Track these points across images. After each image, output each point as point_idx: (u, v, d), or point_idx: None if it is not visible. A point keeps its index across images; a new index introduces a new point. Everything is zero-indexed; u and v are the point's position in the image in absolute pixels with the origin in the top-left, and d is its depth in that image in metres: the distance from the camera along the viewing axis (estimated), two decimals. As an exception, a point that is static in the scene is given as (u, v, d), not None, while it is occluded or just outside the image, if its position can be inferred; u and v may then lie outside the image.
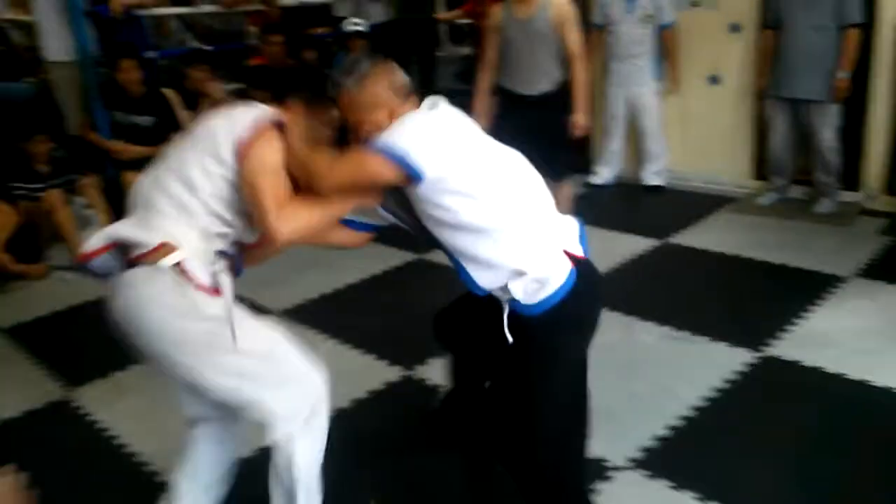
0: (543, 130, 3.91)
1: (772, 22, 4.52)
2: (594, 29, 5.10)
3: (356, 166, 1.89)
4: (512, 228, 1.87)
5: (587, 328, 1.98)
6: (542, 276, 1.84)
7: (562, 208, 4.22)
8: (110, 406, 2.95)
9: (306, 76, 2.92)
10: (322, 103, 2.05)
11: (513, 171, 1.97)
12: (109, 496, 2.48)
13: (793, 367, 2.97)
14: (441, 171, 1.81)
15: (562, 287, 1.85)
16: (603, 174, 5.47)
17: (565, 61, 3.91)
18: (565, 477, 1.97)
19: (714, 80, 5.10)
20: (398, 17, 6.41)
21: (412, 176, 1.80)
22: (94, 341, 3.45)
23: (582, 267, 1.91)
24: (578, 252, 1.94)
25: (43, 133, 4.42)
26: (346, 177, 1.90)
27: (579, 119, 3.92)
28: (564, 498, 1.99)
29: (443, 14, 6.88)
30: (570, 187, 4.20)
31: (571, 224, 2.02)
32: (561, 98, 3.96)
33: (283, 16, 5.91)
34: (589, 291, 1.92)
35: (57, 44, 4.62)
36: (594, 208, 5.00)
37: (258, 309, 3.67)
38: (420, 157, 1.79)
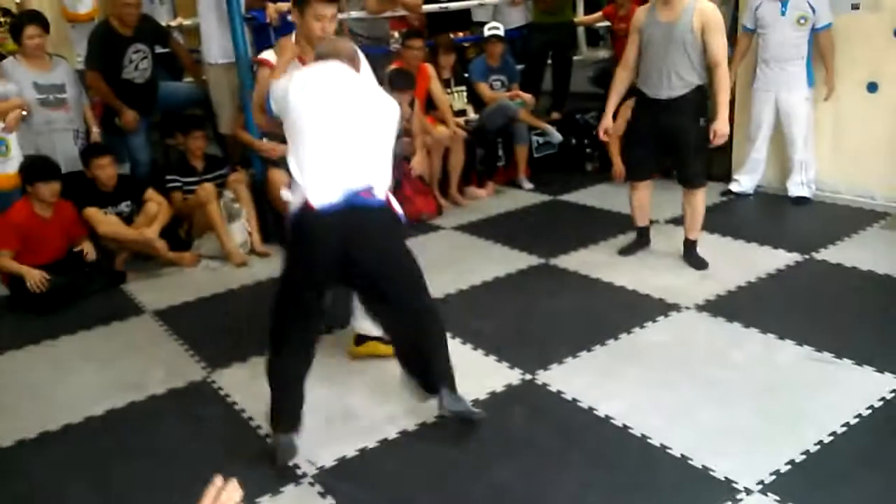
0: (674, 136, 3.90)
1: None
2: (746, 31, 4.89)
3: None
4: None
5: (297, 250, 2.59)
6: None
7: (692, 215, 4.14)
8: (246, 388, 3.14)
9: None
10: None
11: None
12: (241, 470, 2.63)
13: (947, 399, 2.74)
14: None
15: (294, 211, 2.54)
16: (744, 182, 5.22)
17: (705, 66, 3.83)
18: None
19: (873, 87, 4.76)
20: (536, 21, 6.42)
21: None
22: (235, 327, 3.73)
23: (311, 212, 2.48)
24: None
25: (200, 130, 4.78)
26: None
27: (720, 127, 3.81)
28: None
29: (581, 17, 6.82)
30: (702, 195, 4.06)
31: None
32: (694, 104, 3.86)
33: (424, 21, 6.06)
34: (302, 229, 2.54)
35: (216, 47, 4.96)
36: (733, 218, 4.83)
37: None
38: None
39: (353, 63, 2.76)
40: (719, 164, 5.25)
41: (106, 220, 4.40)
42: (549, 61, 6.55)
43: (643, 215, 4.31)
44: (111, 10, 4.83)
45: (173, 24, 6.08)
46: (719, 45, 3.77)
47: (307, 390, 2.68)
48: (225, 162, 4.91)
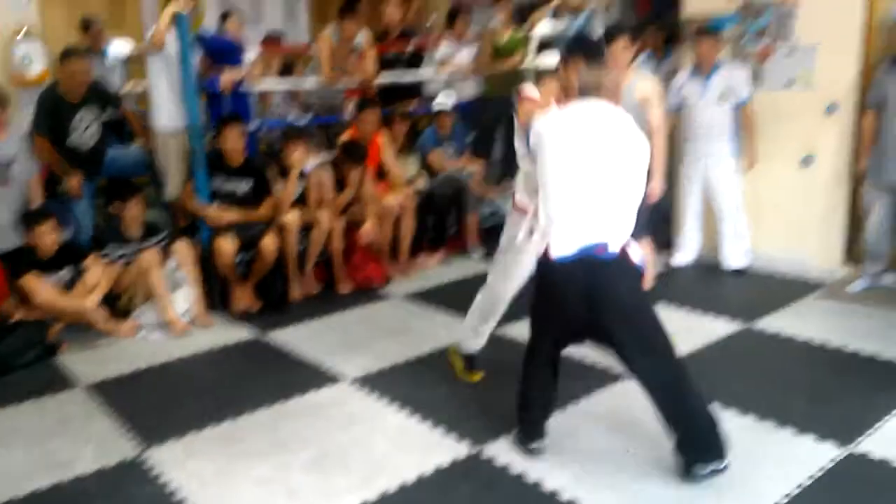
0: None
1: (874, 104, 4.41)
2: (670, 111, 5.10)
3: None
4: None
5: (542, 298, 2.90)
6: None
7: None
8: (182, 466, 3.03)
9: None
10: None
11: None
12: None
13: (883, 467, 2.78)
14: None
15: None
16: (683, 254, 5.37)
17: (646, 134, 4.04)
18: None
19: (807, 161, 4.97)
20: (487, 95, 6.58)
21: None
22: (172, 401, 3.62)
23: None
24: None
25: (139, 197, 4.70)
26: None
27: (655, 187, 4.12)
28: None
29: (531, 91, 7.00)
30: (647, 247, 4.20)
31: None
32: None
33: (378, 92, 6.16)
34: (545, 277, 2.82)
35: (165, 113, 4.95)
36: (675, 288, 4.91)
37: (330, 376, 3.79)
38: None
39: (614, 96, 2.88)
40: (662, 232, 5.39)
41: (43, 290, 4.27)
42: (500, 132, 6.69)
43: None
44: (60, 75, 4.79)
45: (125, 90, 6.08)
46: (657, 115, 4.13)
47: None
48: (161, 229, 4.85)
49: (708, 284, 5.07)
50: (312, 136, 5.90)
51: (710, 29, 5.00)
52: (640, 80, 4.18)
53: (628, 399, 3.41)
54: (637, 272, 2.77)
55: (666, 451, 2.93)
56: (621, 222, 2.72)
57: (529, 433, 3.01)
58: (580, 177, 2.70)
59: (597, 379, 3.62)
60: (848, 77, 4.72)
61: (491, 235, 6.09)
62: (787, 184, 5.06)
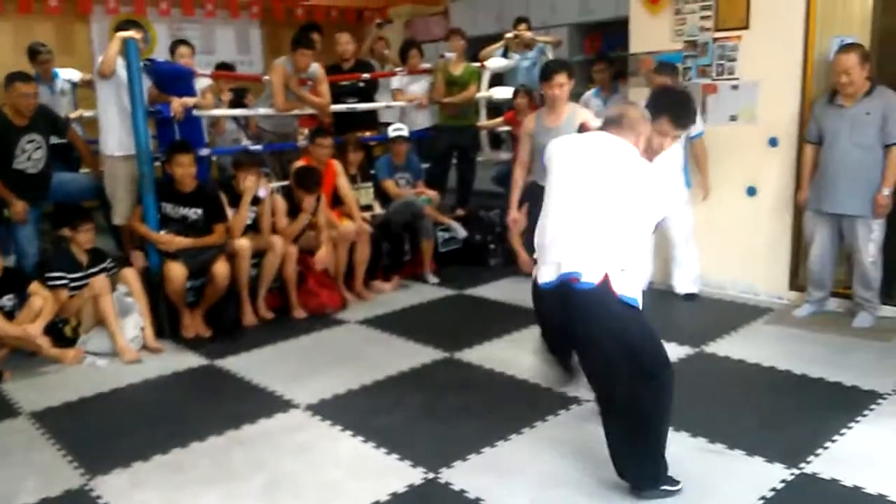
0: None
1: (813, 137, 4.57)
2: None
3: None
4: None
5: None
6: None
7: None
8: (128, 496, 2.93)
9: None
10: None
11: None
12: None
13: (831, 487, 2.84)
14: None
15: None
16: (637, 280, 5.46)
17: None
18: None
19: (752, 191, 5.13)
20: (441, 123, 6.66)
21: None
22: (118, 429, 3.52)
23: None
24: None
25: (89, 223, 4.60)
26: None
27: None
28: None
29: (484, 122, 7.12)
30: None
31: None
32: None
33: (333, 119, 6.18)
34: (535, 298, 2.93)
35: (114, 138, 4.87)
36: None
37: (283, 402, 3.73)
38: None
39: (629, 131, 2.81)
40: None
41: (-16, 316, 4.13)
42: (454, 161, 6.77)
43: None
44: (6, 99, 4.70)
45: (73, 115, 5.98)
46: None
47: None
48: (108, 255, 4.75)
49: (660, 310, 5.14)
50: (265, 164, 5.88)
51: (666, 64, 5.15)
52: (579, 112, 4.37)
53: (587, 422, 3.43)
54: (618, 304, 2.64)
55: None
56: (604, 252, 2.64)
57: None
58: (565, 201, 2.73)
59: (554, 403, 3.63)
60: (789, 112, 4.90)
61: (447, 261, 6.15)
62: (735, 213, 5.20)
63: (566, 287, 2.65)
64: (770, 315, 4.84)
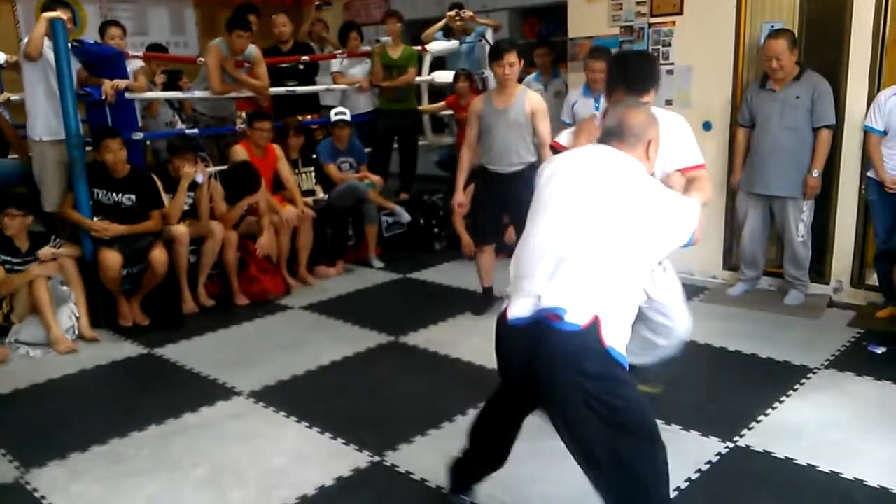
0: (515, 203, 4.26)
1: (745, 121, 4.71)
2: (562, 125, 5.28)
3: None
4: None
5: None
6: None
7: None
8: (65, 489, 2.86)
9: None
10: None
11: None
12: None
13: (764, 458, 2.95)
14: None
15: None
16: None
17: (536, 146, 4.40)
18: None
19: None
20: (383, 108, 6.61)
21: None
22: (56, 420, 3.42)
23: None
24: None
25: (16, 209, 4.42)
26: None
27: None
28: None
29: (426, 106, 7.10)
30: None
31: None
32: (528, 177, 4.20)
33: (272, 103, 6.07)
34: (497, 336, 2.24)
35: (42, 123, 4.69)
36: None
37: (225, 390, 3.68)
38: None
39: (634, 141, 2.30)
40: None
41: None
42: (396, 145, 6.74)
43: (488, 277, 4.67)
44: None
45: (-1, 99, 5.73)
46: (546, 128, 4.32)
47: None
48: (49, 238, 4.58)
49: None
50: (202, 148, 5.75)
51: (600, 48, 5.21)
52: (530, 94, 4.37)
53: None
54: (605, 358, 2.03)
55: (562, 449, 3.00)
56: (597, 289, 2.07)
57: (457, 484, 2.63)
58: (554, 223, 2.19)
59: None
60: (722, 96, 5.03)
61: (391, 245, 6.13)
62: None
63: (542, 326, 2.05)
64: (705, 294, 4.99)
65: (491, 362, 3.86)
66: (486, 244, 4.62)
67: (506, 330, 2.17)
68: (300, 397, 3.61)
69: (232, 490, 2.82)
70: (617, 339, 2.07)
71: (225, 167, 5.39)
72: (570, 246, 2.11)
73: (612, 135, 2.33)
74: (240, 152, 5.31)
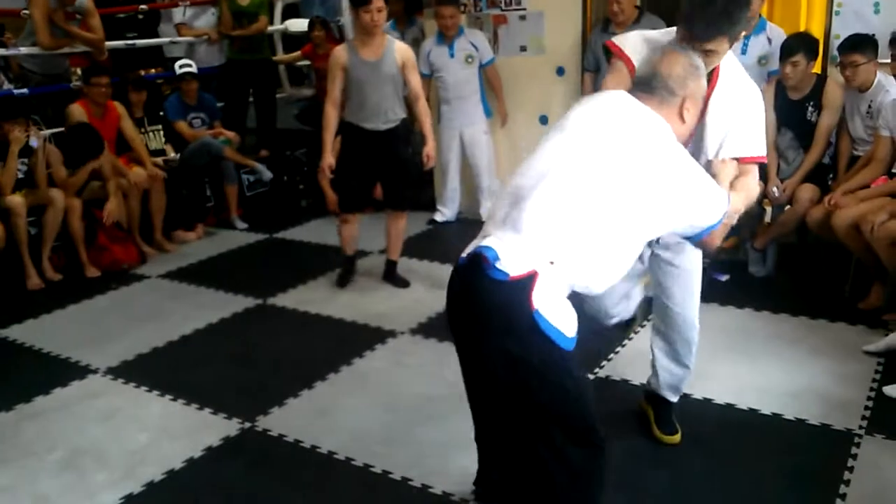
0: (388, 163, 4.13)
1: (591, 66, 4.87)
2: (423, 78, 5.24)
3: None
4: None
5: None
6: None
7: (397, 237, 4.40)
8: None
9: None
10: None
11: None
12: None
13: (622, 386, 3.12)
14: None
15: None
16: (445, 212, 5.61)
17: (405, 100, 4.17)
18: None
19: (544, 119, 5.37)
20: (235, 59, 6.29)
21: None
22: None
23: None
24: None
25: None
26: None
27: (430, 151, 4.19)
28: None
29: (280, 56, 6.83)
30: (405, 218, 4.36)
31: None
32: (403, 134, 4.19)
33: (110, 58, 5.64)
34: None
35: None
36: (437, 244, 5.11)
37: (80, 368, 3.47)
38: None
39: (669, 96, 1.92)
40: (424, 194, 5.58)
41: None
42: (252, 99, 6.45)
43: (352, 246, 4.44)
44: None
45: None
46: (418, 81, 4.15)
47: None
48: None
49: (469, 238, 5.30)
50: (34, 110, 5.27)
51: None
52: (399, 45, 4.08)
53: (398, 354, 3.51)
54: (530, 322, 1.71)
55: (435, 398, 3.05)
56: (547, 242, 1.77)
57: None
58: (532, 161, 1.93)
59: (372, 338, 3.67)
60: (572, 41, 5.15)
61: (255, 205, 5.93)
62: (528, 141, 5.43)
63: (472, 268, 1.79)
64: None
65: (362, 317, 3.91)
66: (354, 212, 4.29)
67: (452, 274, 1.90)
68: (162, 370, 3.46)
69: (94, 473, 2.68)
70: (553, 307, 1.74)
71: (62, 129, 4.98)
72: (535, 190, 1.82)
73: (640, 85, 1.96)
74: (77, 112, 4.93)
